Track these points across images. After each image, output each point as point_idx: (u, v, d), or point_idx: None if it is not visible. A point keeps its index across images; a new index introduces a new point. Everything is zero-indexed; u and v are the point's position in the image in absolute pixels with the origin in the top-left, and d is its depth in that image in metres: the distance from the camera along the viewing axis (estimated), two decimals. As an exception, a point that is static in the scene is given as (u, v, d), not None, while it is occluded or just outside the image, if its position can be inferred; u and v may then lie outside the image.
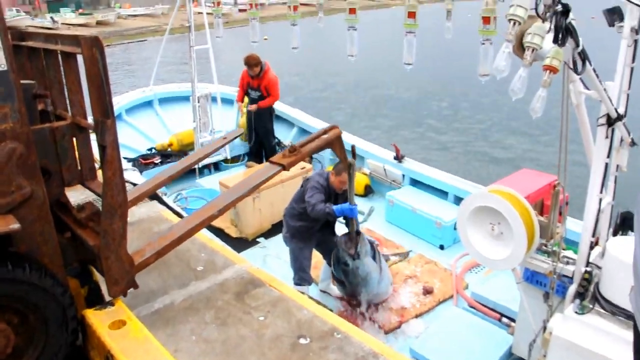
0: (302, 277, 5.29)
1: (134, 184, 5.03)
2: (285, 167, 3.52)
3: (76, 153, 2.99)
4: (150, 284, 3.28)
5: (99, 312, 2.74)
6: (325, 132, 3.96)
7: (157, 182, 3.85)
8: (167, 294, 3.19)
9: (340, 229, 5.43)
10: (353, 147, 4.47)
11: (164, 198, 5.97)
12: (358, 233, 4.90)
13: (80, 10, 53.41)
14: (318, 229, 5.20)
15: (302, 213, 5.03)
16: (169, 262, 3.52)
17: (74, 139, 2.95)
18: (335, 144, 3.97)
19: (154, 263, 3.42)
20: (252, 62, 8.23)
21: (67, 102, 3.05)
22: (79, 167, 3.02)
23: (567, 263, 3.90)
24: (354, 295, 5.20)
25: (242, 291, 3.18)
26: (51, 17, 46.52)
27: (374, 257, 5.07)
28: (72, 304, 2.63)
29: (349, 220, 4.97)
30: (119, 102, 9.98)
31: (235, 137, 4.47)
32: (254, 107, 8.50)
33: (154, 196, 4.66)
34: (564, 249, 4.03)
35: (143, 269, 2.90)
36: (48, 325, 2.54)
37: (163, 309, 3.05)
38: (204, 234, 4.06)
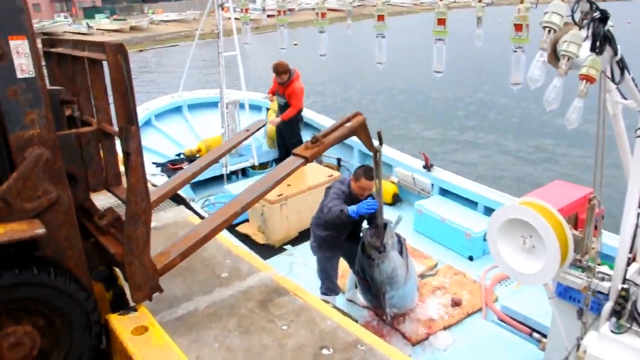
0: (329, 287, 5.21)
1: (177, 193, 5.07)
2: (307, 159, 3.42)
3: (102, 159, 3.00)
4: (175, 290, 3.26)
5: (122, 317, 2.72)
6: (348, 119, 3.80)
7: (180, 180, 3.81)
8: (191, 300, 3.17)
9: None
10: (379, 132, 4.25)
11: (191, 204, 5.99)
12: (385, 225, 4.67)
13: (115, 16, 54.61)
14: (345, 238, 5.09)
15: (328, 222, 4.95)
16: (194, 269, 3.50)
17: (100, 145, 2.96)
18: (360, 131, 3.81)
19: (179, 269, 3.43)
20: (280, 70, 8.23)
21: (93, 108, 3.07)
22: (105, 173, 3.03)
23: (603, 279, 3.76)
24: (379, 302, 4.92)
25: (266, 299, 3.15)
26: (87, 23, 47.68)
27: (400, 253, 4.84)
28: (95, 308, 2.63)
29: (374, 215, 4.73)
30: (148, 108, 10.11)
31: (258, 129, 4.33)
32: (277, 120, 8.51)
33: (181, 201, 4.67)
34: (599, 264, 3.89)
35: (169, 271, 2.88)
36: (72, 329, 2.54)
37: (187, 315, 3.03)
38: (230, 240, 4.04)
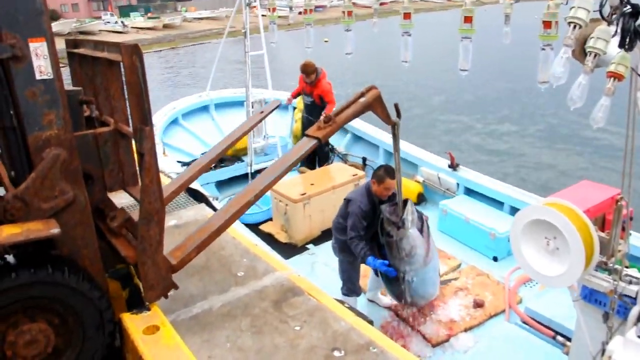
0: (350, 288, 5.16)
1: (194, 189, 5.08)
2: (320, 140, 3.34)
3: (119, 158, 3.02)
4: (191, 289, 3.27)
5: (135, 317, 2.74)
6: (362, 94, 3.65)
7: (196, 169, 3.80)
8: (206, 299, 3.17)
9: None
10: (396, 104, 4.07)
11: (215, 202, 6.02)
12: (405, 202, 4.48)
13: (149, 15, 55.44)
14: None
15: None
16: (212, 268, 3.51)
17: (117, 145, 2.99)
18: (376, 106, 3.66)
19: (196, 267, 3.45)
20: (308, 70, 8.17)
21: (112, 108, 3.10)
22: (121, 173, 3.05)
23: (630, 282, 3.63)
24: (399, 285, 4.67)
25: (280, 299, 3.13)
26: (122, 22, 48.54)
27: (421, 231, 4.60)
28: (109, 307, 2.65)
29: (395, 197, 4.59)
30: (175, 107, 10.21)
31: (273, 110, 4.22)
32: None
33: (202, 199, 4.68)
34: (626, 267, 3.76)
35: (186, 265, 2.89)
36: (85, 328, 2.57)
37: (201, 314, 3.03)
38: (249, 239, 4.04)
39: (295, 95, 8.94)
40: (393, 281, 4.74)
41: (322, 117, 3.49)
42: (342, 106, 3.60)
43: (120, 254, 2.77)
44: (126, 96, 2.76)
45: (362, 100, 3.62)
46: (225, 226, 3.00)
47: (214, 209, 4.48)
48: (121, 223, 2.89)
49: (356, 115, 3.60)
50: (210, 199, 5.93)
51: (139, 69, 2.45)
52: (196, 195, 4.74)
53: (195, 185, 5.73)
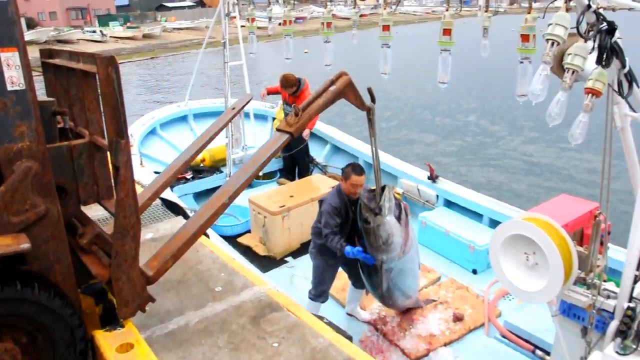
0: (319, 292, 5.06)
1: (170, 201, 5.00)
2: (293, 134, 3.26)
3: (94, 171, 2.95)
4: (167, 304, 3.20)
5: (108, 334, 2.66)
6: (332, 82, 3.54)
7: (170, 174, 3.70)
8: (183, 315, 3.11)
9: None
10: (369, 89, 3.99)
11: (192, 214, 5.93)
12: (384, 187, 4.38)
13: (128, 24, 55.05)
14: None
15: None
16: (189, 282, 3.44)
17: (92, 158, 2.91)
18: (348, 92, 3.56)
19: (172, 283, 3.38)
20: (287, 84, 8.11)
21: (87, 120, 3.03)
22: (96, 186, 2.97)
23: (608, 297, 3.66)
24: (378, 277, 4.59)
25: (258, 315, 3.07)
26: (100, 31, 48.09)
27: (398, 219, 4.47)
28: (81, 324, 2.56)
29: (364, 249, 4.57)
30: (154, 117, 10.10)
31: (245, 105, 4.19)
32: (307, 134, 8.41)
33: (179, 211, 4.61)
34: (605, 281, 3.78)
35: (163, 274, 2.82)
36: (55, 346, 2.48)
37: (177, 330, 2.97)
38: (227, 253, 3.97)
39: (271, 92, 8.84)
40: (372, 274, 4.66)
41: (292, 111, 3.40)
42: (312, 96, 3.50)
43: (91, 272, 2.69)
44: (101, 108, 2.70)
45: (332, 88, 3.52)
46: (201, 231, 2.93)
47: (191, 221, 4.40)
48: (90, 240, 2.81)
49: (327, 104, 3.49)
50: (188, 211, 5.85)
51: (115, 80, 2.40)
52: (173, 208, 4.66)
53: (172, 197, 5.65)
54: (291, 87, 8.11)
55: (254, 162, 3.14)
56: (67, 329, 2.48)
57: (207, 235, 4.22)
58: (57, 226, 2.54)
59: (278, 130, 3.37)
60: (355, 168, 4.66)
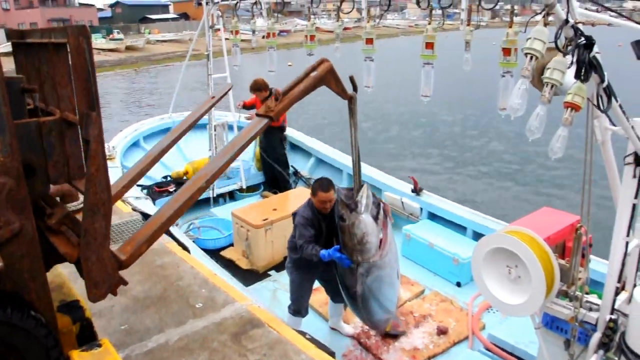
0: (298, 307, 5.02)
1: (146, 214, 4.91)
2: (272, 119, 3.19)
3: (64, 150, 2.77)
4: (147, 322, 3.14)
5: (84, 354, 2.60)
6: (313, 68, 3.49)
7: (148, 161, 3.58)
8: (163, 332, 3.05)
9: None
10: (351, 77, 3.90)
11: (175, 227, 5.87)
12: (361, 185, 4.19)
13: (111, 36, 54.73)
14: (319, 261, 4.94)
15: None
16: (169, 299, 3.39)
17: (63, 135, 2.71)
18: (329, 79, 3.50)
19: (152, 299, 3.32)
20: (260, 86, 8.28)
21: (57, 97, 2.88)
22: (67, 165, 2.81)
23: (591, 309, 3.67)
24: (353, 278, 4.33)
25: (239, 331, 3.03)
26: (81, 43, 47.80)
27: (376, 218, 4.24)
28: (56, 345, 2.49)
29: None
30: (137, 129, 10.01)
31: (224, 95, 4.02)
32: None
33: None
34: (587, 293, 3.79)
35: (136, 260, 2.69)
36: None
37: (157, 348, 2.91)
38: (208, 269, 3.92)
39: (247, 105, 8.90)
40: (348, 278, 4.40)
41: (272, 95, 3.36)
42: (293, 82, 3.42)
43: (59, 251, 2.54)
44: (73, 83, 2.59)
45: (313, 74, 3.46)
46: (176, 215, 2.78)
47: (171, 235, 4.35)
48: (60, 220, 2.65)
49: (308, 91, 3.42)
50: (174, 225, 5.79)
51: (86, 51, 2.28)
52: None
53: (152, 212, 5.57)
54: (260, 91, 8.26)
55: (232, 146, 3.03)
56: (41, 350, 2.40)
57: (188, 251, 4.16)
58: (32, 243, 2.46)
59: (258, 115, 3.29)
60: (322, 184, 4.59)
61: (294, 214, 4.80)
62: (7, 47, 41.67)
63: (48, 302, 2.58)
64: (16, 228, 2.38)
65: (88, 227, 2.42)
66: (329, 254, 4.33)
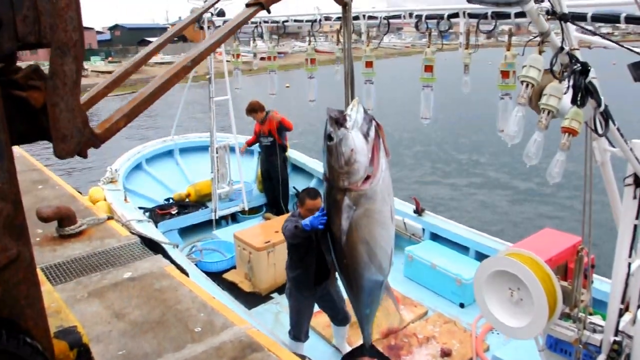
0: (298, 332, 5.03)
1: (150, 239, 4.89)
2: (264, 6, 3.03)
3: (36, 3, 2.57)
4: (144, 347, 3.11)
5: (81, 381, 2.57)
6: None
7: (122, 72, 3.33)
8: (161, 358, 3.01)
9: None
10: None
11: (176, 250, 5.86)
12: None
13: (110, 59, 55.20)
14: (315, 279, 4.81)
15: (295, 260, 4.84)
16: (167, 323, 3.36)
17: None
18: None
19: (150, 324, 3.30)
20: (256, 107, 8.45)
21: None
22: (38, 23, 2.61)
23: (594, 331, 3.64)
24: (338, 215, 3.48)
25: (238, 356, 2.99)
26: (81, 65, 48.28)
27: (366, 136, 3.41)
28: None
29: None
30: (140, 152, 10.06)
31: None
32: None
33: (158, 249, 4.53)
34: (591, 314, 3.76)
35: (113, 136, 2.51)
36: None
37: (155, 375, 2.88)
38: (206, 292, 3.90)
39: (250, 143, 9.09)
40: (331, 217, 3.59)
41: None
42: None
43: (24, 99, 2.36)
44: None
45: None
46: (159, 93, 2.57)
47: (172, 260, 4.33)
48: (28, 74, 2.48)
49: None
50: (172, 246, 5.77)
51: None
52: (152, 246, 4.58)
53: (153, 234, 5.57)
54: (256, 112, 8.45)
55: (221, 30, 2.89)
56: None
57: (187, 274, 4.15)
58: (29, 269, 2.45)
59: (247, 5, 3.09)
60: (309, 193, 4.67)
61: (284, 230, 4.68)
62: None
63: (45, 329, 2.56)
64: (13, 254, 2.37)
65: (57, 69, 2.21)
66: (310, 222, 4.09)
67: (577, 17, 3.06)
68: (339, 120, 3.41)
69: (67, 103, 2.15)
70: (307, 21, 5.99)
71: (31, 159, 8.05)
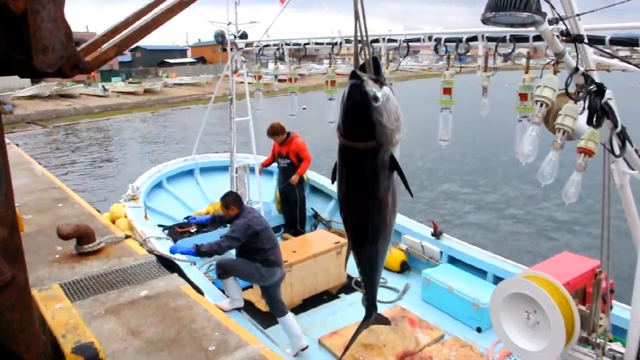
0: (278, 309, 5.85)
1: (166, 257, 4.94)
2: None
3: None
4: (159, 365, 3.13)
5: (96, 397, 2.59)
6: None
7: None
8: (176, 376, 3.03)
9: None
10: None
11: (193, 268, 5.90)
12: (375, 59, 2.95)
13: (130, 80, 56.08)
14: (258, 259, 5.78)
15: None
16: (182, 341, 3.38)
17: None
18: None
19: (165, 342, 3.32)
20: (278, 130, 8.52)
21: None
22: None
23: (614, 358, 3.56)
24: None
25: (252, 377, 3.00)
26: (102, 86, 48.96)
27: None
28: None
29: None
30: (161, 170, 10.19)
31: None
32: (295, 178, 8.54)
33: (175, 268, 4.56)
34: (610, 340, 3.69)
35: (101, 65, 2.30)
36: None
37: (169, 393, 2.89)
38: (221, 312, 3.91)
39: (266, 164, 9.15)
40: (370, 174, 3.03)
41: None
42: None
43: (3, 5, 2.14)
44: None
45: None
46: (152, 26, 2.30)
47: (187, 279, 4.36)
48: None
49: None
50: (189, 264, 5.81)
51: None
52: (168, 265, 4.63)
53: (169, 253, 5.61)
54: (278, 135, 8.49)
55: None
56: None
57: (202, 293, 4.18)
58: (24, 293, 2.42)
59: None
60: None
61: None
62: (32, 90, 42.70)
63: (37, 354, 2.53)
64: (7, 278, 2.34)
65: None
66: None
67: (595, 41, 3.07)
68: (379, 79, 2.92)
69: (49, 12, 2.06)
70: (327, 44, 6.07)
71: (52, 177, 8.21)
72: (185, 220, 8.79)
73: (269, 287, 5.85)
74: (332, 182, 2.89)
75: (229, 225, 8.66)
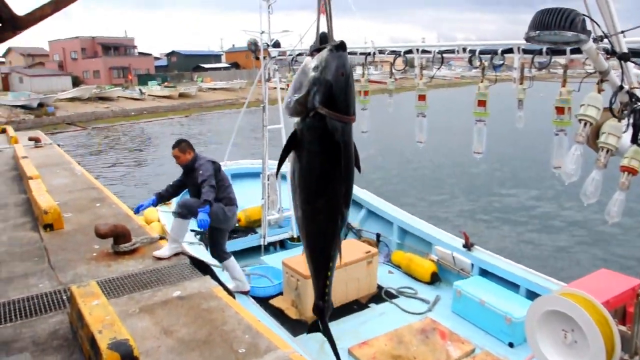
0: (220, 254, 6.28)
1: (199, 260, 4.99)
2: None
3: None
4: (191, 366, 3.16)
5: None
6: None
7: None
8: (207, 378, 3.06)
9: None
10: None
11: (225, 273, 5.95)
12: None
13: (166, 84, 57.12)
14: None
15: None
16: (213, 342, 3.41)
17: None
18: None
19: (197, 342, 3.35)
20: None
21: None
22: None
23: (656, 382, 3.45)
24: None
25: (282, 381, 3.00)
26: (139, 89, 50.03)
27: None
28: None
29: None
30: None
31: None
32: None
33: (207, 271, 4.61)
34: (652, 364, 3.58)
35: (37, 22, 2.32)
36: None
37: (200, 394, 2.91)
38: (252, 315, 3.93)
39: None
40: None
41: None
42: None
43: None
44: None
45: None
46: None
47: (219, 281, 4.41)
48: None
49: None
50: (220, 268, 5.86)
51: None
52: (200, 267, 4.68)
53: (201, 255, 5.68)
54: None
55: None
56: None
57: (233, 296, 4.21)
58: None
59: None
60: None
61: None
62: (73, 93, 43.98)
63: None
64: None
65: None
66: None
67: (636, 54, 3.00)
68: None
69: None
70: (361, 54, 6.06)
71: (90, 178, 8.39)
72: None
73: (223, 231, 6.37)
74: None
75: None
